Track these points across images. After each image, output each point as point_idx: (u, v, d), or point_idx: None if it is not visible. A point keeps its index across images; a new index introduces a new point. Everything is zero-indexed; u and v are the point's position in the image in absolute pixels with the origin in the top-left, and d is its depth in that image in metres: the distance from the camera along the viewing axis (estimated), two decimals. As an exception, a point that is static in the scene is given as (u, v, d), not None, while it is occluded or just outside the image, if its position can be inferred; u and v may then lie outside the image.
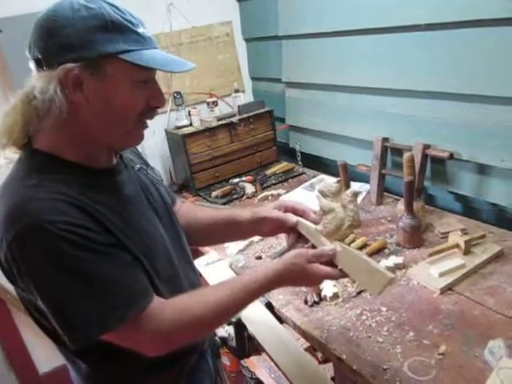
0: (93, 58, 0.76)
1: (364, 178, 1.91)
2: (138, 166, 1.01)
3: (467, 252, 1.32)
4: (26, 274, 0.75)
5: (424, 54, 1.55)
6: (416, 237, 1.43)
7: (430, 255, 1.33)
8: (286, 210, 1.06)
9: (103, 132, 0.83)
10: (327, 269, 0.91)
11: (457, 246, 1.34)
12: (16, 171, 0.82)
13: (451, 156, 1.52)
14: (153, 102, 0.85)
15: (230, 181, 2.24)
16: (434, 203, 1.76)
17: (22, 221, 0.73)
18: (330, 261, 0.92)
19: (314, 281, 0.96)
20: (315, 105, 2.13)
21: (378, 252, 1.45)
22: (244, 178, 2.22)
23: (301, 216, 1.03)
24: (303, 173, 2.24)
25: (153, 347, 0.83)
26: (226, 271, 1.53)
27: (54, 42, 0.75)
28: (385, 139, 1.75)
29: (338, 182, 0.99)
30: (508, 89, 1.32)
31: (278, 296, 1.32)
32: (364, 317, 1.17)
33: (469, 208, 1.66)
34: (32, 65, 0.80)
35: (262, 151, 2.36)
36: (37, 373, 2.33)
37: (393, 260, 1.35)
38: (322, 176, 2.14)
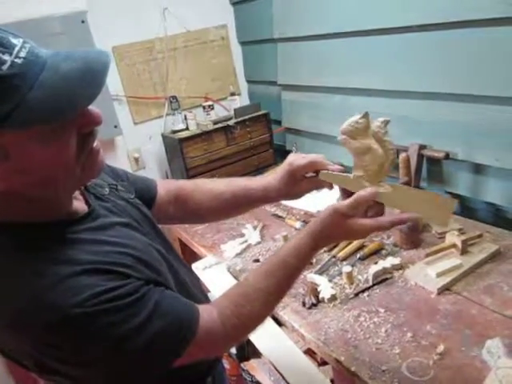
0: None
1: (361, 180, 1.91)
2: (107, 189, 0.87)
3: (464, 252, 1.32)
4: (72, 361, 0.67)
5: (417, 55, 1.55)
6: (413, 237, 1.44)
7: (427, 255, 1.33)
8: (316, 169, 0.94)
9: (50, 191, 0.68)
10: (370, 222, 0.81)
11: (454, 245, 1.34)
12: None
13: (447, 156, 1.53)
14: (85, 129, 0.66)
15: (227, 184, 2.24)
16: (430, 203, 1.76)
17: (46, 317, 0.62)
18: (375, 208, 0.83)
19: (359, 236, 0.88)
20: (311, 107, 2.14)
21: (376, 253, 1.45)
22: (241, 181, 2.22)
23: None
24: (300, 175, 2.24)
25: (220, 352, 0.90)
26: (224, 275, 1.52)
27: None
28: (381, 140, 1.75)
29: (365, 115, 0.84)
30: (502, 88, 1.33)
31: (275, 299, 1.32)
32: (362, 318, 1.17)
33: (465, 208, 1.66)
34: None
35: (259, 154, 2.36)
36: (35, 379, 2.32)
37: (390, 261, 1.35)
38: (319, 178, 2.14)
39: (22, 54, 0.58)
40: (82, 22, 1.92)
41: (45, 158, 0.62)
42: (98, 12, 1.99)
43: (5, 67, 0.55)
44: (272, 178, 0.99)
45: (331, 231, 0.84)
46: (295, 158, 0.95)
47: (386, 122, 0.88)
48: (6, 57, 0.56)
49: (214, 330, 0.77)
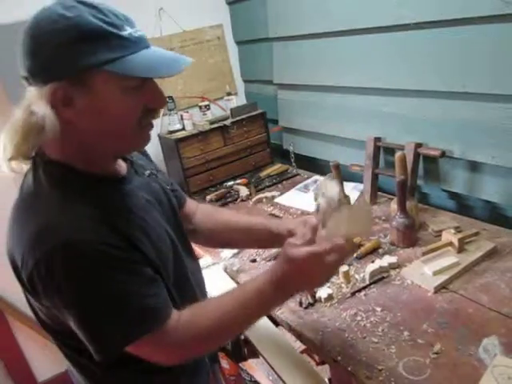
0: (76, 74, 0.73)
1: (357, 178, 1.91)
2: (148, 171, 1.00)
3: (461, 250, 1.32)
4: (53, 292, 0.75)
5: (413, 53, 1.55)
6: (410, 236, 1.43)
7: (424, 254, 1.33)
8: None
9: (103, 143, 0.82)
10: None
11: (450, 244, 1.34)
12: (36, 185, 0.80)
13: (443, 154, 1.53)
14: (151, 105, 0.82)
15: (224, 184, 2.24)
16: (427, 201, 1.76)
17: (53, 240, 0.72)
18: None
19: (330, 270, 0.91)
20: (307, 106, 2.13)
21: (373, 252, 1.45)
22: (238, 181, 2.22)
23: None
24: (297, 174, 2.25)
25: (169, 359, 0.87)
26: (221, 275, 1.52)
27: (36, 62, 0.73)
28: (377, 139, 1.75)
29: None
30: (498, 86, 1.33)
31: (272, 299, 1.32)
32: (359, 317, 1.17)
33: (462, 206, 1.66)
34: (23, 81, 0.78)
35: (256, 153, 2.36)
36: (35, 381, 2.32)
37: (387, 260, 1.35)
38: (316, 177, 2.14)
39: (139, 33, 0.79)
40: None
41: (119, 106, 0.77)
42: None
43: (125, 33, 0.75)
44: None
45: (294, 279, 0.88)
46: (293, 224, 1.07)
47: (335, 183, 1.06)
48: (128, 28, 0.76)
49: (175, 332, 0.83)
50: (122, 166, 0.92)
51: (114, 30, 0.74)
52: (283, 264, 0.88)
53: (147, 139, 0.87)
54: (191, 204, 1.22)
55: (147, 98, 0.80)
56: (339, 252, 0.88)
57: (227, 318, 0.87)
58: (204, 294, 1.09)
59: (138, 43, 0.78)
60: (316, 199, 1.03)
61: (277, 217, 1.83)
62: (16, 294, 2.29)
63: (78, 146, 0.81)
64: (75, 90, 0.74)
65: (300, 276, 0.87)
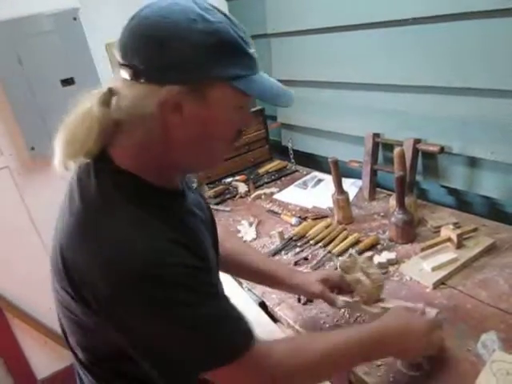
0: (202, 81, 0.69)
1: (356, 174, 1.91)
2: (195, 184, 0.98)
3: (460, 245, 1.32)
4: (129, 317, 0.68)
5: (412, 49, 1.55)
6: (408, 232, 1.43)
7: (423, 250, 1.33)
8: (331, 286, 1.11)
9: (190, 156, 0.77)
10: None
11: (449, 239, 1.34)
12: (106, 197, 0.72)
13: (442, 150, 1.52)
14: (244, 126, 0.80)
15: (223, 180, 2.23)
16: (426, 197, 1.76)
17: (133, 264, 0.66)
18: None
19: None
20: (306, 102, 2.12)
21: (371, 248, 1.44)
22: (237, 178, 2.21)
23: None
24: (296, 170, 2.24)
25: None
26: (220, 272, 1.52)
27: (163, 56, 0.67)
28: (376, 135, 1.75)
29: (349, 256, 1.12)
30: (497, 81, 1.32)
31: (271, 295, 1.32)
32: (357, 313, 1.17)
33: (461, 201, 1.66)
34: (124, 71, 0.70)
35: (255, 150, 2.35)
36: (35, 378, 2.32)
37: (385, 256, 1.35)
38: (315, 173, 2.14)
39: (256, 55, 0.75)
40: (74, 19, 1.90)
41: (226, 123, 0.75)
42: (90, 9, 1.98)
43: (252, 50, 0.73)
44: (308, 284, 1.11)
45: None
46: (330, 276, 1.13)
47: (370, 258, 1.17)
48: (252, 48, 0.74)
49: (268, 357, 0.77)
50: (180, 179, 0.88)
51: (246, 47, 0.72)
52: (399, 321, 0.91)
53: (223, 160, 0.86)
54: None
55: (244, 118, 0.79)
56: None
57: (332, 353, 0.83)
58: None
59: (258, 65, 0.76)
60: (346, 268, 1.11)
61: (275, 213, 1.82)
62: (15, 291, 2.29)
63: (157, 156, 0.75)
64: (190, 97, 0.69)
65: (407, 342, 0.90)
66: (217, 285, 0.78)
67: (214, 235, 0.98)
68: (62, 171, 0.76)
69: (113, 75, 2.20)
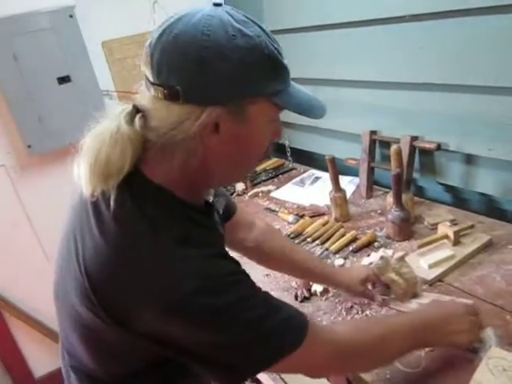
0: (243, 100, 0.67)
1: (353, 172, 1.91)
2: (211, 197, 0.88)
3: (456, 242, 1.32)
4: (188, 333, 0.67)
5: (409, 46, 1.54)
6: (405, 229, 1.43)
7: (420, 247, 1.33)
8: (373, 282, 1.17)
9: (225, 172, 0.75)
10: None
11: (446, 236, 1.34)
12: (143, 216, 0.68)
13: (439, 147, 1.52)
14: (275, 138, 0.78)
15: (221, 178, 2.23)
16: (423, 195, 1.76)
17: (184, 287, 0.65)
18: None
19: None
20: (303, 100, 2.12)
21: (368, 245, 1.45)
22: (234, 176, 2.21)
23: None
24: (293, 168, 2.24)
25: (328, 367, 0.81)
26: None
27: (204, 76, 0.63)
28: (373, 132, 1.75)
29: (381, 258, 1.16)
30: (494, 78, 1.32)
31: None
32: (354, 311, 1.17)
33: (458, 198, 1.66)
34: (158, 90, 0.66)
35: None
36: (32, 377, 2.32)
37: (382, 253, 1.35)
38: (312, 171, 2.14)
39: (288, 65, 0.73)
40: (70, 16, 1.90)
41: (261, 138, 0.74)
42: (86, 6, 1.97)
43: (285, 61, 0.71)
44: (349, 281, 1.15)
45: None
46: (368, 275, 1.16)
47: (402, 258, 1.16)
48: (285, 59, 0.72)
49: (334, 333, 0.79)
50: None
51: (282, 60, 0.70)
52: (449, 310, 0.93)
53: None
54: (243, 215, 1.17)
55: (276, 130, 0.77)
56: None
57: (391, 337, 0.84)
58: None
59: (290, 75, 0.74)
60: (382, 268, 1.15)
61: (273, 211, 1.82)
62: (12, 289, 2.29)
63: (191, 173, 0.72)
64: (228, 117, 0.66)
65: (452, 324, 0.90)
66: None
67: None
68: (90, 195, 0.70)
69: (109, 73, 2.20)
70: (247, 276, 0.74)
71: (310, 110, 0.75)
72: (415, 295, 1.15)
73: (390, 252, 1.35)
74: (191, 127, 0.65)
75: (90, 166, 0.68)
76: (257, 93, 0.67)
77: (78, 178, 0.70)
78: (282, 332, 0.71)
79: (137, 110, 0.71)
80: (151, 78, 0.67)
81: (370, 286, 1.17)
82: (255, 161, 0.80)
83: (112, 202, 0.68)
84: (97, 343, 0.74)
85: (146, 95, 0.69)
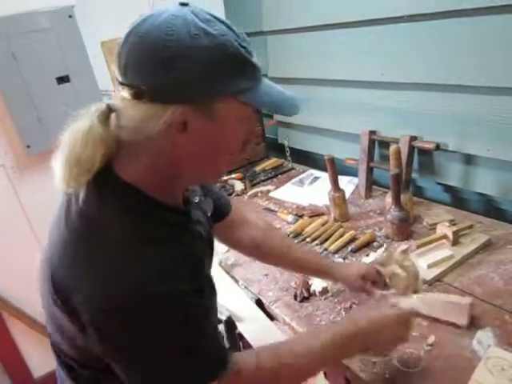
0: (208, 99, 0.67)
1: (352, 172, 1.91)
2: (197, 198, 0.90)
3: (455, 242, 1.32)
4: (116, 345, 0.68)
5: (408, 46, 1.55)
6: (404, 229, 1.43)
7: (419, 247, 1.33)
8: (369, 280, 1.15)
9: (196, 171, 0.75)
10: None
11: (445, 236, 1.34)
12: (106, 212, 0.70)
13: (437, 147, 1.53)
14: (249, 136, 0.77)
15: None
16: (422, 195, 1.76)
17: (127, 288, 0.65)
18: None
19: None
20: (302, 100, 2.12)
21: (367, 245, 1.44)
22: (233, 176, 2.21)
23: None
24: (292, 168, 2.24)
25: None
26: (216, 269, 1.52)
27: (167, 75, 0.64)
28: (372, 132, 1.75)
29: (385, 250, 1.19)
30: (493, 79, 1.33)
31: (267, 293, 1.32)
32: (353, 311, 1.17)
33: (457, 199, 1.66)
34: (125, 90, 0.67)
35: (251, 148, 2.35)
36: (32, 377, 2.31)
37: (381, 253, 1.35)
38: (312, 171, 2.14)
39: (258, 62, 0.72)
40: (70, 16, 1.89)
41: (232, 136, 0.73)
42: (85, 6, 1.96)
43: (254, 59, 0.70)
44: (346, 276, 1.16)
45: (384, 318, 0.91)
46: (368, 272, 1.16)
47: (405, 251, 1.18)
48: (254, 55, 0.71)
49: (254, 371, 0.78)
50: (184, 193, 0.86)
51: (249, 57, 0.69)
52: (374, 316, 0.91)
53: (225, 172, 0.83)
54: (238, 211, 1.18)
55: (249, 129, 0.76)
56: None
57: (307, 357, 0.83)
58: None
59: (261, 72, 0.73)
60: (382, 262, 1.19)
61: (272, 211, 1.82)
62: (10, 289, 2.28)
63: (162, 171, 0.73)
64: (196, 114, 0.67)
65: (381, 334, 0.89)
66: (206, 306, 0.76)
67: (211, 250, 0.97)
68: (66, 190, 0.72)
69: (108, 73, 2.20)
70: (197, 295, 0.72)
71: (281, 107, 0.74)
72: (416, 291, 1.14)
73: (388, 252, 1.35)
74: (156, 126, 0.66)
75: (62, 163, 0.70)
76: (222, 91, 0.67)
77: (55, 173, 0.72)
78: (193, 367, 0.71)
79: (110, 109, 0.72)
80: (119, 78, 0.68)
81: (369, 284, 1.17)
82: (230, 160, 0.78)
83: (80, 199, 0.70)
84: (69, 339, 0.76)
85: (117, 95, 0.70)
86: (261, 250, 1.18)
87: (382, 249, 1.36)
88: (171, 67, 0.63)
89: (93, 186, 0.71)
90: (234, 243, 1.18)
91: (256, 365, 0.78)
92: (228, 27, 0.68)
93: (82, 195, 0.71)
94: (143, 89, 0.65)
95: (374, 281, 1.16)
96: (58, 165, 0.70)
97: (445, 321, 1.06)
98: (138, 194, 0.72)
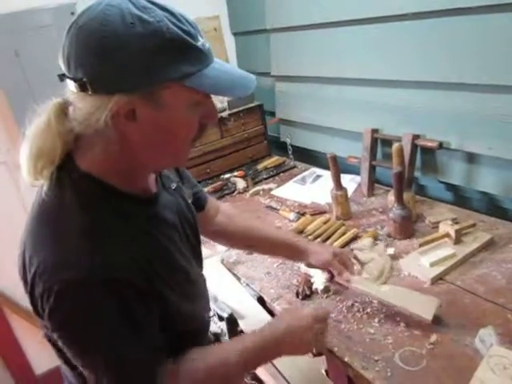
0: (151, 86, 0.67)
1: (355, 170, 1.90)
2: (174, 184, 0.93)
3: (458, 241, 1.32)
4: (58, 325, 0.72)
5: (412, 44, 1.54)
6: (407, 227, 1.43)
7: (421, 245, 1.33)
8: (339, 261, 1.19)
9: (152, 158, 0.76)
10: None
11: (447, 235, 1.34)
12: (62, 200, 0.72)
13: (440, 145, 1.52)
14: (207, 120, 0.77)
15: (222, 176, 2.22)
16: (425, 193, 1.76)
17: (70, 274, 0.67)
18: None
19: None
20: (305, 98, 2.12)
21: (369, 243, 1.44)
22: (235, 174, 2.21)
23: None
24: (294, 166, 2.24)
25: None
26: (218, 267, 1.52)
27: (106, 67, 0.64)
28: (374, 130, 1.75)
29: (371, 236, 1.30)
30: (495, 77, 1.32)
31: (269, 290, 1.32)
32: (355, 309, 1.17)
33: (460, 197, 1.66)
34: (71, 84, 0.68)
35: (253, 146, 2.34)
36: (33, 374, 2.32)
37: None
38: (314, 169, 2.14)
39: (207, 45, 0.72)
40: (72, 13, 1.89)
41: (183, 122, 0.73)
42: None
43: (199, 43, 0.70)
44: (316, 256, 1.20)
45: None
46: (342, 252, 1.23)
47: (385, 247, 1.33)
48: (200, 39, 0.70)
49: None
50: (151, 177, 0.87)
51: (192, 41, 0.68)
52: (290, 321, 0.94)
53: (188, 157, 0.83)
54: (213, 204, 1.22)
55: (205, 113, 0.76)
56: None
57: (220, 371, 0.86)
58: (207, 299, 1.04)
59: (209, 56, 0.72)
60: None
61: (274, 209, 1.82)
62: (12, 286, 2.29)
63: (119, 160, 0.75)
64: (142, 102, 0.68)
65: (295, 339, 0.92)
66: (141, 313, 0.75)
67: (195, 235, 0.98)
68: (33, 183, 0.75)
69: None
70: (145, 299, 0.73)
71: (229, 89, 0.74)
72: (384, 282, 1.21)
73: (391, 250, 1.35)
74: (102, 116, 0.66)
75: (27, 157, 0.74)
76: (164, 78, 0.67)
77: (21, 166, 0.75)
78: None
79: (66, 102, 0.73)
80: (65, 71, 0.69)
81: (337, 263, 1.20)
82: (186, 145, 0.78)
83: (43, 190, 0.73)
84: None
85: (68, 88, 0.71)
86: (227, 232, 1.22)
87: (367, 238, 1.42)
88: (108, 57, 0.64)
89: (55, 176, 0.74)
90: (204, 231, 1.16)
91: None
92: (168, 12, 0.68)
93: (44, 187, 0.74)
94: (85, 81, 0.66)
95: (345, 263, 1.19)
96: (23, 159, 0.74)
97: (411, 313, 1.06)
98: (95, 183, 0.74)
